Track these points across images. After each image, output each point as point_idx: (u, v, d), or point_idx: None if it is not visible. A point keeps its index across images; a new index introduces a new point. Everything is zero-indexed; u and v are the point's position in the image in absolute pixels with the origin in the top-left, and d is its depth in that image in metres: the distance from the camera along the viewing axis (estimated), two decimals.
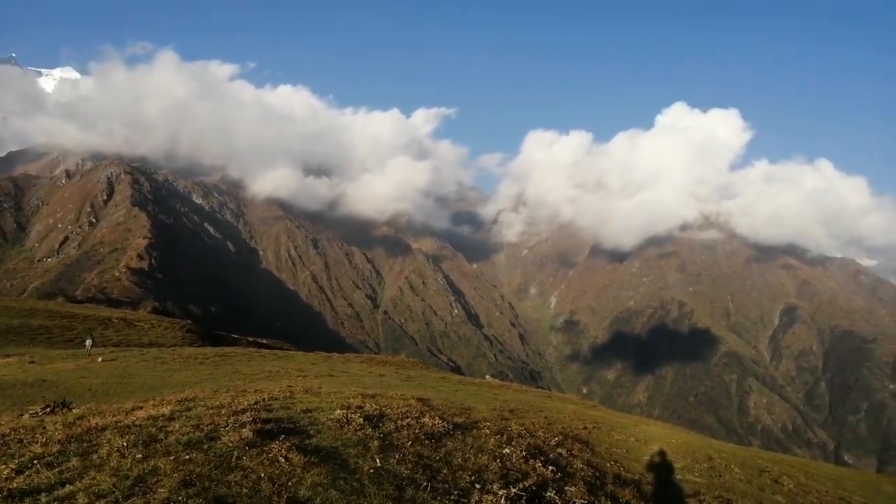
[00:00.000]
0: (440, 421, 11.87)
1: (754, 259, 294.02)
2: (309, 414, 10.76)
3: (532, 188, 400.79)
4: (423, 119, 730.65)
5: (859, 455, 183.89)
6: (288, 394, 14.07)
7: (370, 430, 9.71)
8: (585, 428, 22.07)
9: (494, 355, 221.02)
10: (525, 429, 15.57)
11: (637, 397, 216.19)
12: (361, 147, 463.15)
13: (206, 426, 8.84)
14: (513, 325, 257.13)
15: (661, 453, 21.39)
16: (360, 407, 11.81)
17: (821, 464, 50.60)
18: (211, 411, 10.03)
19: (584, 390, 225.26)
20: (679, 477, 17.53)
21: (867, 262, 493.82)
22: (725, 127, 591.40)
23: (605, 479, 12.49)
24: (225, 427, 8.75)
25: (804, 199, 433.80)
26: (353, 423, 9.89)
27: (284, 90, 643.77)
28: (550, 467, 10.31)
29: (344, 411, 10.77)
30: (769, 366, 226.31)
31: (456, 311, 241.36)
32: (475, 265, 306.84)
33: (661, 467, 18.31)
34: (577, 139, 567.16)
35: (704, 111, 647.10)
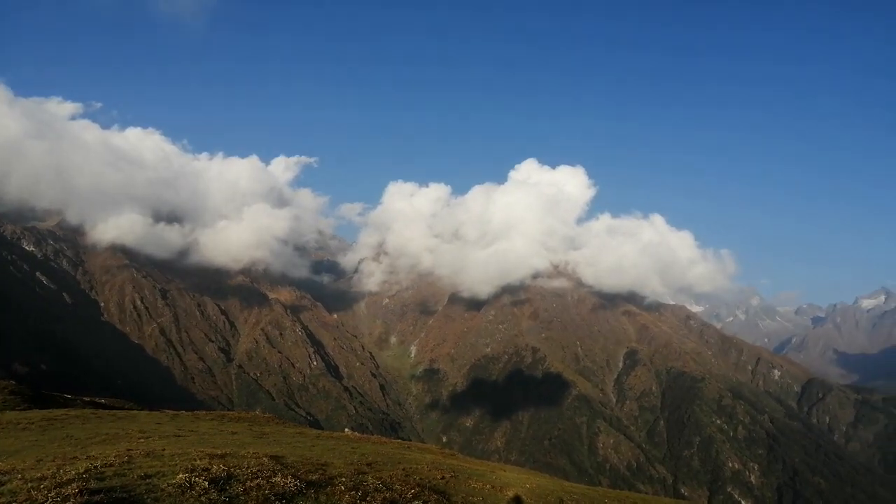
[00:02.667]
0: (293, 479, 11.40)
1: (599, 306, 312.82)
2: (147, 480, 9.91)
3: (393, 237, 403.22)
4: (283, 167, 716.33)
5: (693, 487, 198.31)
6: (125, 458, 12.91)
7: (215, 494, 9.11)
8: (443, 478, 22.10)
9: (355, 407, 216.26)
10: (382, 482, 15.35)
11: (495, 443, 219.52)
12: (217, 194, 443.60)
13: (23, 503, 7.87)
14: (373, 375, 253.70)
15: (517, 499, 21.85)
16: (207, 469, 11.07)
17: (661, 499, 54.07)
18: (30, 485, 8.92)
19: (444, 438, 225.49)
20: None
21: (695, 308, 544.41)
22: (572, 183, 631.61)
23: None
24: (45, 503, 7.84)
25: (641, 251, 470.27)
26: (197, 488, 9.24)
27: (133, 133, 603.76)
28: None
29: (187, 475, 10.04)
30: (615, 407, 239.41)
31: (315, 362, 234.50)
32: (336, 315, 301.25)
33: None
34: (436, 191, 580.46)
35: (553, 168, 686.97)
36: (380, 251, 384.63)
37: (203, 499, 8.72)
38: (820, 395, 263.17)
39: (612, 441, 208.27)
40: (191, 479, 9.53)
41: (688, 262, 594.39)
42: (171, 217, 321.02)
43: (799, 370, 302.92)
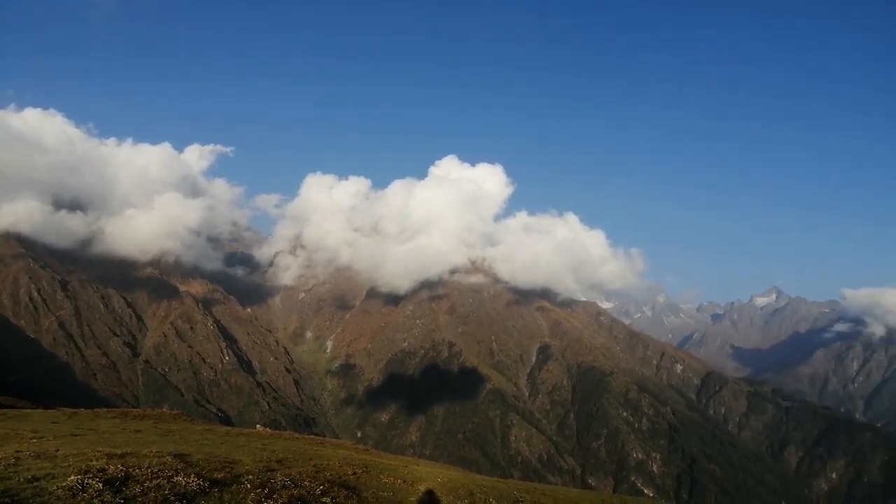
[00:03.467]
0: (196, 479, 11.08)
1: (514, 302, 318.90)
2: (35, 483, 9.35)
3: (310, 230, 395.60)
4: (197, 155, 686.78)
5: (600, 477, 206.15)
6: (12, 461, 12.14)
7: (110, 496, 8.70)
8: (355, 473, 22.05)
9: (268, 403, 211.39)
10: (291, 479, 15.16)
11: (410, 438, 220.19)
12: (125, 181, 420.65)
13: None
14: (288, 370, 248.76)
15: (427, 493, 22.06)
16: (103, 470, 10.57)
17: (568, 489, 55.82)
18: None
19: (359, 434, 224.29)
20: None
21: (605, 305, 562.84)
22: (491, 181, 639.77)
23: None
24: None
25: (556, 248, 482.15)
26: (90, 490, 8.80)
27: (32, 114, 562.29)
28: None
29: (80, 477, 9.55)
30: (528, 401, 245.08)
31: (227, 357, 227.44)
32: (250, 309, 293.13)
33: None
34: (356, 184, 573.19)
35: (473, 165, 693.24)
36: (296, 244, 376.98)
37: (96, 501, 8.30)
38: (717, 387, 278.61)
39: (524, 434, 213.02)
40: (83, 481, 9.04)
41: (600, 259, 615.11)
42: (73, 204, 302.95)
43: (699, 364, 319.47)
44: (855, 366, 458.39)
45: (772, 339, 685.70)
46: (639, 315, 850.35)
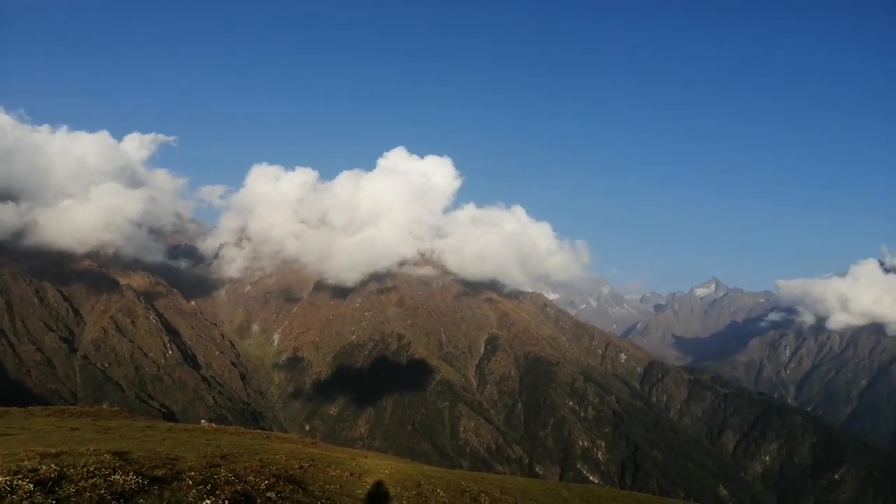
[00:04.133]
0: (135, 476, 10.79)
1: (463, 293, 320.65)
2: None
3: (256, 222, 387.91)
4: (138, 144, 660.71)
5: (547, 465, 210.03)
6: None
7: (41, 496, 8.38)
8: (301, 467, 21.87)
9: (213, 398, 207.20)
10: (235, 475, 14.93)
11: (359, 430, 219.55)
12: (60, 170, 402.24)
13: None
14: (234, 364, 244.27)
15: (376, 485, 22.07)
16: (35, 470, 10.17)
17: (515, 478, 56.68)
18: None
19: (307, 427, 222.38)
20: None
21: (552, 296, 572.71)
22: (440, 173, 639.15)
23: None
24: None
25: (503, 241, 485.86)
26: (20, 492, 8.45)
27: None
28: None
29: (9, 478, 9.15)
30: (476, 391, 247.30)
31: (171, 352, 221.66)
32: (193, 302, 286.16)
33: (372, 499, 18.86)
34: (303, 175, 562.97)
35: (422, 157, 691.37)
36: (242, 236, 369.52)
37: (26, 503, 7.98)
38: (659, 376, 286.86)
39: (472, 424, 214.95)
40: (13, 483, 8.63)
41: (546, 252, 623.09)
42: (4, 194, 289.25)
43: (642, 353, 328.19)
44: (787, 353, 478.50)
45: (711, 329, 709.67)
46: (584, 306, 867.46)
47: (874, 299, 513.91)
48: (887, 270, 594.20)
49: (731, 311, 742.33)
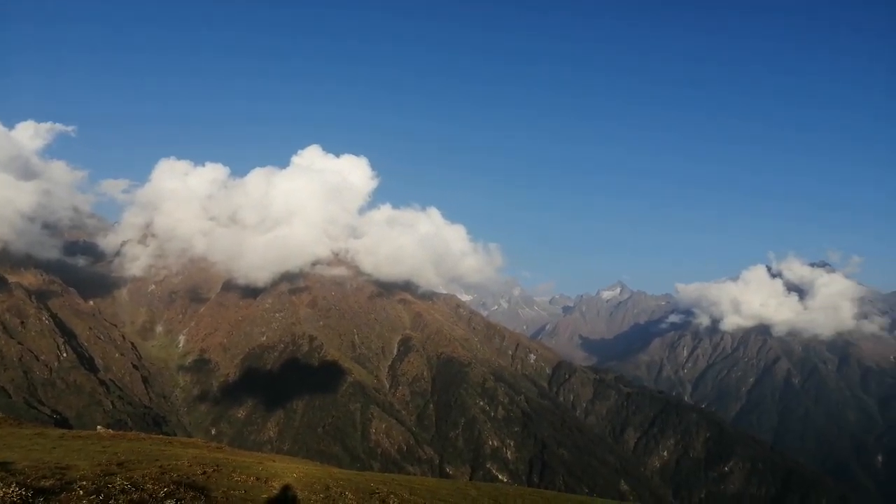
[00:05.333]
0: (18, 489, 10.16)
1: (377, 294, 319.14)
2: None
3: (162, 219, 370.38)
4: (32, 133, 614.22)
5: (458, 465, 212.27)
6: None
7: None
8: (205, 473, 21.26)
9: (112, 402, 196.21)
10: (132, 483, 14.33)
11: (268, 433, 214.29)
12: None
13: None
14: (135, 367, 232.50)
15: (283, 489, 21.73)
16: None
17: (424, 478, 57.05)
18: None
19: (214, 431, 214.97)
20: None
21: (465, 297, 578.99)
22: (356, 173, 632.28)
23: None
24: None
25: (419, 242, 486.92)
26: None
27: None
28: None
29: None
30: (388, 393, 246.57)
31: (65, 354, 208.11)
32: (92, 302, 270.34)
33: None
34: (213, 172, 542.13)
35: (338, 156, 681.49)
36: (147, 233, 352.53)
37: None
38: (567, 375, 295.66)
39: (384, 426, 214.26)
40: None
41: (460, 254, 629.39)
42: None
43: (551, 354, 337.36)
44: (685, 353, 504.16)
45: (616, 330, 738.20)
46: (496, 307, 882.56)
47: (762, 302, 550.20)
48: (774, 275, 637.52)
49: (635, 314, 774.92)
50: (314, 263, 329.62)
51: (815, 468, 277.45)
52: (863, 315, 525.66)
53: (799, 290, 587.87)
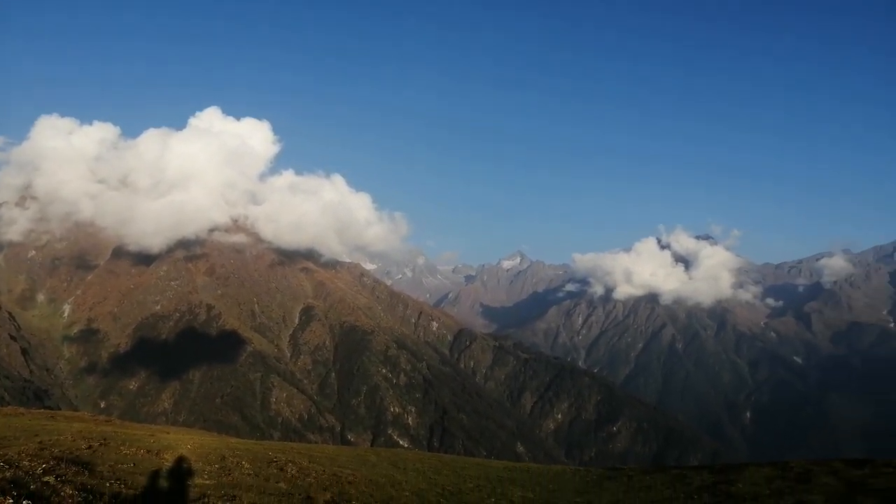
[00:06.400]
0: None
1: (278, 262, 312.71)
2: None
3: (43, 180, 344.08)
4: None
5: (359, 432, 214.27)
6: None
7: None
8: (90, 447, 20.86)
9: None
10: (5, 461, 14.00)
11: (162, 405, 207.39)
12: None
13: None
14: (13, 338, 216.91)
15: (176, 461, 21.58)
16: None
17: (324, 446, 57.65)
18: None
19: (103, 404, 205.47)
20: (188, 483, 17.90)
21: (369, 266, 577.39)
22: (257, 137, 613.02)
23: (101, 501, 12.19)
24: None
25: (322, 210, 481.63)
26: None
27: None
28: (25, 502, 9.51)
29: None
30: (290, 362, 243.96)
31: None
32: None
33: (171, 477, 18.50)
34: (102, 131, 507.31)
35: (238, 119, 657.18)
36: (25, 195, 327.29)
37: None
38: (467, 343, 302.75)
39: (284, 395, 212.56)
40: None
41: (365, 222, 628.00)
42: None
43: (453, 322, 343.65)
44: (580, 321, 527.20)
45: (515, 298, 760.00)
46: (400, 276, 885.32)
47: (651, 273, 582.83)
48: (663, 247, 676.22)
49: (534, 282, 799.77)
50: (212, 230, 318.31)
51: (692, 426, 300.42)
52: (739, 284, 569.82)
53: (685, 261, 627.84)
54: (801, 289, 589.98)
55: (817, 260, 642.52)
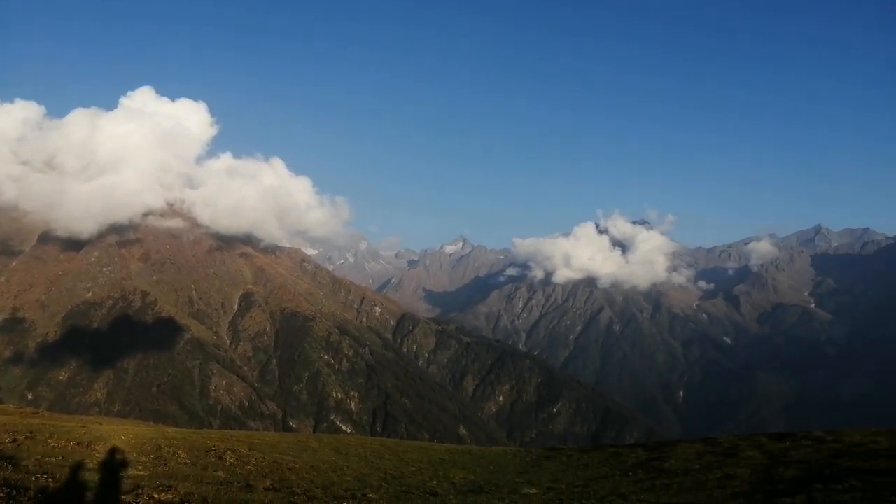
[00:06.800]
0: None
1: (216, 248, 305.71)
2: None
3: None
4: None
5: (301, 419, 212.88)
6: None
7: None
8: (15, 441, 20.38)
9: None
10: None
11: (95, 395, 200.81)
12: None
13: None
14: None
15: (108, 452, 21.20)
16: None
17: (265, 433, 57.28)
18: None
19: (31, 396, 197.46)
20: (121, 475, 17.65)
21: (310, 251, 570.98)
22: (193, 119, 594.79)
23: (26, 496, 12.06)
24: None
25: (261, 194, 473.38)
26: None
27: None
28: None
29: None
30: (229, 349, 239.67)
31: None
32: None
33: (102, 469, 18.23)
34: (25, 110, 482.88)
35: (173, 100, 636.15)
36: None
37: None
38: (410, 327, 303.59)
39: (224, 383, 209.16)
40: None
41: (306, 207, 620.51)
42: None
43: (395, 307, 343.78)
44: (521, 304, 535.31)
45: (458, 283, 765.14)
46: (342, 262, 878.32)
47: (590, 257, 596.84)
48: (601, 232, 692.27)
49: (476, 267, 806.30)
50: (146, 214, 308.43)
51: (629, 406, 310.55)
52: (673, 268, 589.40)
53: (622, 246, 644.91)
54: (730, 272, 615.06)
55: (746, 244, 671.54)
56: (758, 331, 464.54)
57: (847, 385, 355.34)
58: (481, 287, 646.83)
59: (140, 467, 18.93)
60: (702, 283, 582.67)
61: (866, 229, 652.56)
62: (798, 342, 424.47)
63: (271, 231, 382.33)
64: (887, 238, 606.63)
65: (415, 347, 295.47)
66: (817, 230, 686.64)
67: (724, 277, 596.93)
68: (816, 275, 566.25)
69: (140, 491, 14.93)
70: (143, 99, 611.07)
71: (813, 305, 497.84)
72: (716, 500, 17.18)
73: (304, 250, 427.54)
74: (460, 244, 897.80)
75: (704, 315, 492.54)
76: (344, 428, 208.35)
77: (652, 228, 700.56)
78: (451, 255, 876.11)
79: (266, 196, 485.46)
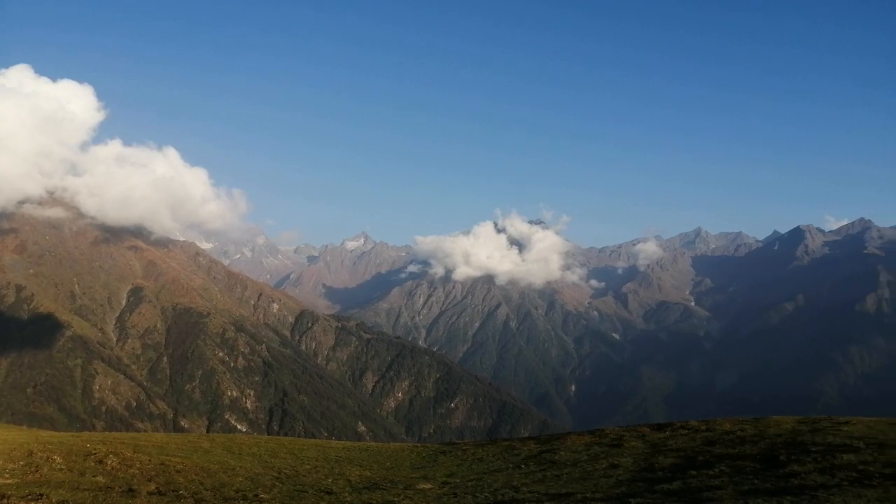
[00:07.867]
0: None
1: (102, 240, 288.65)
2: None
3: None
4: None
5: (194, 418, 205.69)
6: None
7: None
8: None
9: None
10: None
11: None
12: None
13: None
14: None
15: None
16: None
17: (151, 434, 55.91)
18: None
19: None
20: None
21: (205, 245, 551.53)
22: (78, 102, 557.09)
23: None
24: None
25: (153, 184, 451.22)
26: None
27: None
28: None
29: None
30: (115, 347, 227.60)
31: None
32: None
33: None
34: None
35: (55, 80, 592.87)
36: None
37: None
38: (309, 324, 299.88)
39: (109, 382, 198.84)
40: None
41: (201, 199, 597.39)
42: None
43: (294, 303, 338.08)
44: (421, 301, 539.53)
45: (359, 279, 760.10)
46: (238, 256, 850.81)
47: (488, 255, 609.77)
48: (499, 231, 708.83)
49: (377, 263, 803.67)
50: (22, 202, 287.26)
51: (524, 400, 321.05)
52: (567, 267, 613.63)
53: (519, 244, 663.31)
54: (620, 271, 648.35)
55: (634, 245, 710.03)
56: (644, 327, 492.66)
57: (721, 377, 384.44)
58: (383, 284, 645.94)
59: (7, 475, 17.96)
60: (593, 282, 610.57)
61: (739, 233, 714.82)
62: (679, 337, 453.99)
63: (164, 223, 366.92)
64: (757, 241, 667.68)
65: (314, 344, 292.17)
66: (697, 233, 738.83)
67: (614, 276, 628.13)
68: (696, 275, 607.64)
69: (5, 501, 14.22)
70: (18, 77, 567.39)
71: (693, 303, 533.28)
72: (601, 488, 18.51)
73: (199, 244, 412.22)
74: (362, 240, 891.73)
75: (595, 312, 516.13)
76: (239, 427, 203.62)
77: (547, 228, 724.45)
78: (352, 251, 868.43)
79: (158, 186, 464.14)
